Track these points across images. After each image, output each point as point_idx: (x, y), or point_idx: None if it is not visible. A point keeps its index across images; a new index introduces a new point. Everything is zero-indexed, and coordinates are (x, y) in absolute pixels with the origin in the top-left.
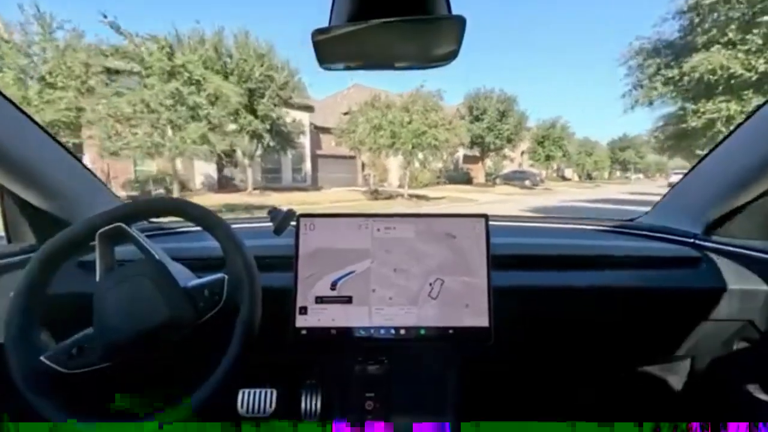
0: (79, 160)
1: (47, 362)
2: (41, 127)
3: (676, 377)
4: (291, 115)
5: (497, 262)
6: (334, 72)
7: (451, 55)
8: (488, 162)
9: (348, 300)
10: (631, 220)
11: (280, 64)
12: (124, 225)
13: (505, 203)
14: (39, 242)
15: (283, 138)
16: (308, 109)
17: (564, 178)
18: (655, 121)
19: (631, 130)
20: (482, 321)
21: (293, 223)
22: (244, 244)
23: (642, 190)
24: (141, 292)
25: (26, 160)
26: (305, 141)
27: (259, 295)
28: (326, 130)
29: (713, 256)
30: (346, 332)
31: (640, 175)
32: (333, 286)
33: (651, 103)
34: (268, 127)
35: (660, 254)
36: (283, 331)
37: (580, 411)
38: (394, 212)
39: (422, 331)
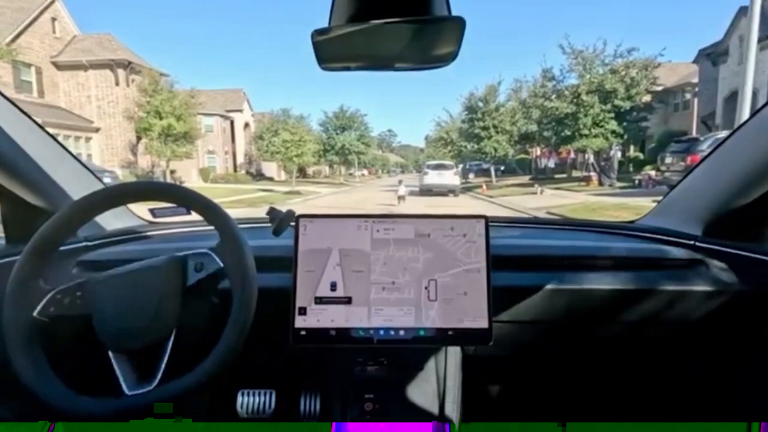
0: (72, 155)
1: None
2: (34, 121)
3: (675, 378)
4: None
5: (497, 263)
6: None
7: (451, 56)
8: None
9: (347, 301)
10: (632, 222)
11: None
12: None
13: None
14: None
15: None
16: None
17: (262, 176)
18: None
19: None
20: (482, 322)
21: (292, 223)
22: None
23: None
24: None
25: (22, 156)
26: None
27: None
28: None
29: (714, 258)
30: (345, 333)
31: (365, 171)
32: (332, 287)
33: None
34: None
35: (660, 256)
36: (282, 332)
37: (580, 411)
38: (394, 213)
39: (421, 332)
